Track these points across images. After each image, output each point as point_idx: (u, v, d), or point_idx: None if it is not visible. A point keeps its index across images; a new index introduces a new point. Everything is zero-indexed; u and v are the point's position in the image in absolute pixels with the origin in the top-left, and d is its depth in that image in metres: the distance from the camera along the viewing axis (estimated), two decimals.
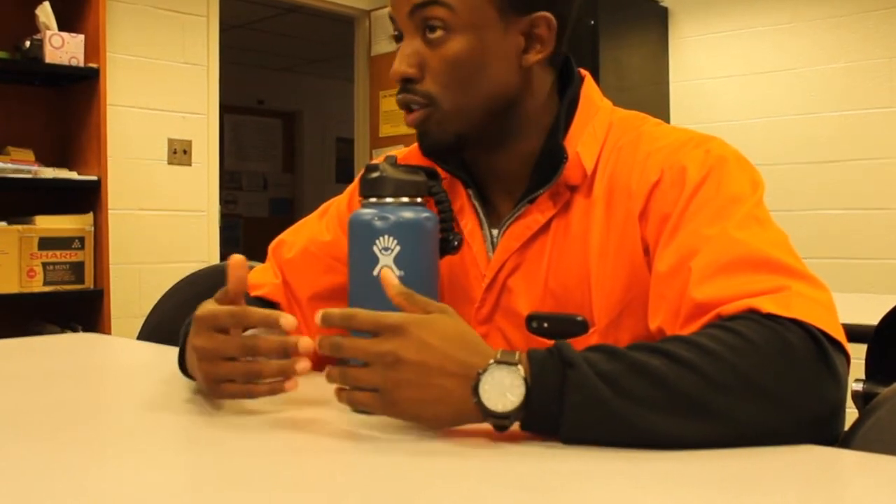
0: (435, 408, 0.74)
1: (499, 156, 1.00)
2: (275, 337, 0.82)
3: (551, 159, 0.96)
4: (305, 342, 0.81)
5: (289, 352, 0.81)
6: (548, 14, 0.95)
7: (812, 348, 0.73)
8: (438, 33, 0.92)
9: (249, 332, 0.86)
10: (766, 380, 0.71)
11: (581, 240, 0.95)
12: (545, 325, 0.96)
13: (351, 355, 0.76)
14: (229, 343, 0.83)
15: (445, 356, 0.73)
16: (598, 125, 0.98)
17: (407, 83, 0.95)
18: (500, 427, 0.73)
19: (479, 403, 0.71)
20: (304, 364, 0.82)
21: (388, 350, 0.73)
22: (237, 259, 0.87)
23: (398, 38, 0.98)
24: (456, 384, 0.73)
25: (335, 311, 0.78)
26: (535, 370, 0.72)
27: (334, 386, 0.78)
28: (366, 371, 0.75)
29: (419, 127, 0.96)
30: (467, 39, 0.92)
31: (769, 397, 0.71)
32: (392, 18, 0.98)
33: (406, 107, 0.97)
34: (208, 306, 0.86)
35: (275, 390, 0.83)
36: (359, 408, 0.80)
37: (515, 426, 0.73)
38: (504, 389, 0.71)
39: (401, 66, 0.94)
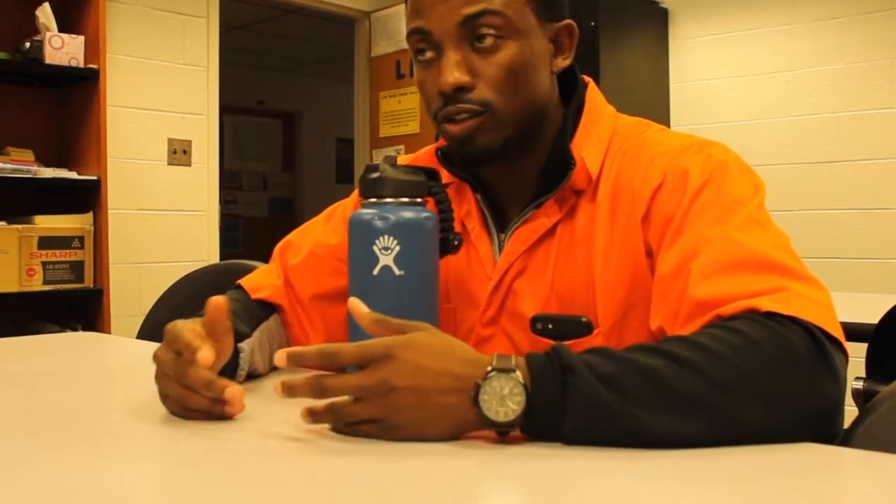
0: (437, 424, 0.72)
1: (510, 160, 1.00)
2: (204, 372, 0.79)
3: (559, 164, 0.97)
4: (232, 392, 0.77)
5: (213, 392, 0.78)
6: (571, 22, 0.99)
7: (812, 347, 0.73)
8: (490, 41, 0.93)
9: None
10: (767, 378, 0.71)
11: (586, 243, 0.96)
12: (550, 326, 0.97)
13: (341, 394, 0.73)
14: (171, 363, 0.81)
15: (439, 373, 0.72)
16: (602, 131, 1.00)
17: (458, 92, 0.93)
18: (503, 433, 0.72)
19: (480, 414, 0.70)
20: (233, 409, 0.80)
21: (380, 380, 0.71)
22: (217, 301, 0.84)
23: (421, 52, 0.96)
24: (455, 399, 0.71)
25: (309, 349, 0.74)
26: (534, 376, 0.71)
27: None
28: (360, 406, 0.72)
29: (470, 136, 0.94)
30: (518, 45, 0.94)
31: (770, 396, 0.71)
32: (420, 31, 0.94)
33: (450, 119, 0.94)
34: (181, 323, 0.84)
35: (202, 418, 0.80)
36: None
37: None
38: (504, 398, 0.70)
39: (452, 75, 0.92)
